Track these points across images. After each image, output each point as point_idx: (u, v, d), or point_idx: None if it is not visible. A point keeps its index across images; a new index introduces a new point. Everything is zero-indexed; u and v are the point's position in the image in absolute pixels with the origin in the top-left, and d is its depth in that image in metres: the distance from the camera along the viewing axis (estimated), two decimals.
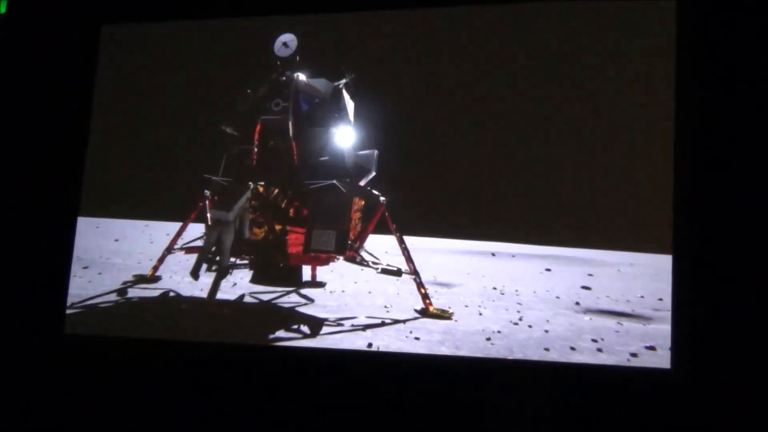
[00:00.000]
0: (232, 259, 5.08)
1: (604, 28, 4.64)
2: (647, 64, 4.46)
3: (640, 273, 5.83)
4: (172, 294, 5.36)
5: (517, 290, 6.16)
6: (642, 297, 5.63)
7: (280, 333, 4.55)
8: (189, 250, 5.46)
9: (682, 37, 4.20)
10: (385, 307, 5.30)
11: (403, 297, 5.49)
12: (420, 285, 5.16)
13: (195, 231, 5.44)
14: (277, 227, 5.19)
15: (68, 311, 4.84)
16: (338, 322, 4.84)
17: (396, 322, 4.84)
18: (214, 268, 5.03)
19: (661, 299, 4.79)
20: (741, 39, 4.08)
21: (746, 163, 3.97)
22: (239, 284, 5.66)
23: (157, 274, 5.72)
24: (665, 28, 4.30)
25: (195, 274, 5.08)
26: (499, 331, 4.64)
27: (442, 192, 5.22)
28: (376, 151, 5.40)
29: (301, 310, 5.17)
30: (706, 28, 4.14)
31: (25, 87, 5.22)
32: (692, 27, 4.17)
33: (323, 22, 5.18)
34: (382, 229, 5.28)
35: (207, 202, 5.28)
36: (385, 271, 5.23)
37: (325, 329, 4.62)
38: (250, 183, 5.15)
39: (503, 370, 4.21)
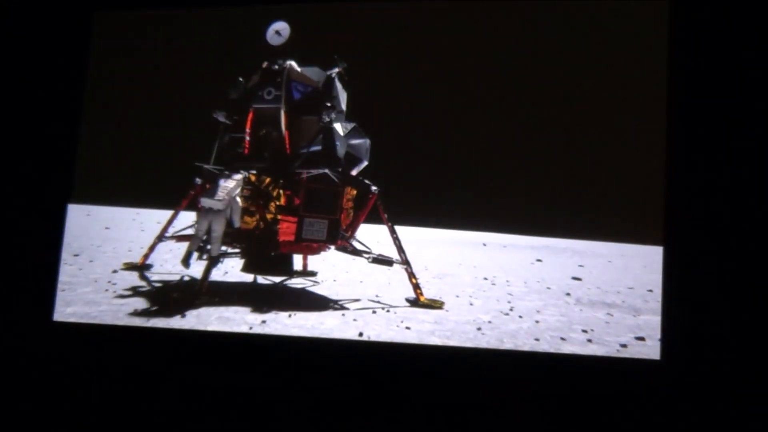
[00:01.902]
0: (224, 248, 5.07)
1: (596, 23, 4.64)
2: (640, 60, 4.47)
3: (631, 264, 5.86)
4: (162, 282, 5.35)
5: (508, 281, 6.19)
6: (632, 288, 5.66)
7: (271, 322, 4.54)
8: (180, 238, 5.45)
9: (674, 33, 4.21)
10: (377, 296, 5.31)
11: (395, 287, 5.50)
12: (411, 275, 5.17)
13: (186, 219, 5.44)
14: (269, 216, 5.18)
15: (58, 298, 4.82)
16: (329, 311, 4.84)
17: (387, 311, 4.85)
18: (205, 256, 5.02)
19: (651, 290, 4.82)
20: (731, 35, 4.09)
21: (736, 157, 3.98)
22: (230, 273, 5.66)
23: (148, 262, 5.72)
24: (657, 26, 4.30)
25: (186, 262, 5.06)
26: (489, 322, 4.65)
27: (434, 182, 5.22)
28: (368, 141, 5.40)
29: (293, 299, 5.18)
30: (698, 26, 4.14)
31: (16, 74, 5.18)
32: (684, 24, 4.17)
33: (316, 11, 5.15)
34: (373, 218, 5.28)
35: (198, 190, 5.27)
36: (376, 261, 5.24)
37: (316, 319, 4.62)
38: (242, 171, 5.13)
39: (493, 360, 4.22)
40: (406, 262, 5.15)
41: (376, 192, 5.24)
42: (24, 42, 5.20)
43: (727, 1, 4.14)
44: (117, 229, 6.87)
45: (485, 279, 6.07)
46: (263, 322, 4.53)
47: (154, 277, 5.46)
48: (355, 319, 4.63)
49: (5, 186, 5.03)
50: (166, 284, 5.29)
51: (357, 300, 5.15)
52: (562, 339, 4.33)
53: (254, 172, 5.23)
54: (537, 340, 4.31)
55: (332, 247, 5.31)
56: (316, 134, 5.27)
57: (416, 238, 5.53)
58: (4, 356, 4.70)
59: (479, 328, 4.48)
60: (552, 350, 4.18)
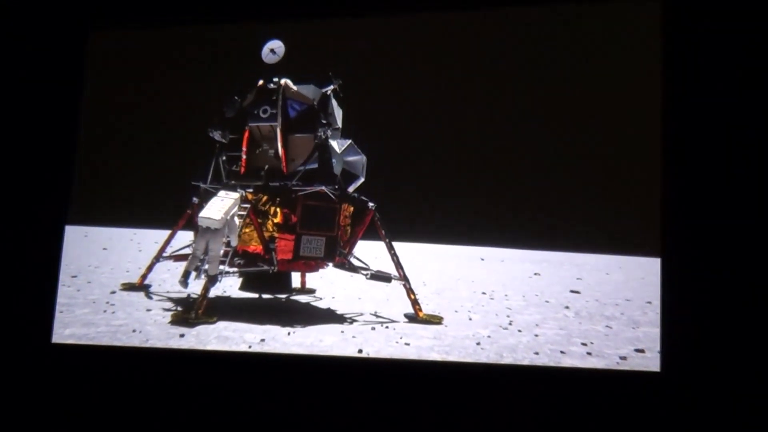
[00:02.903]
0: (221, 267, 5.06)
1: (590, 30, 4.66)
2: (635, 70, 4.48)
3: (629, 276, 5.85)
4: (161, 302, 5.34)
5: (506, 295, 6.19)
6: (630, 300, 5.66)
7: (270, 340, 4.53)
8: (178, 257, 5.45)
9: (668, 40, 4.22)
10: (375, 313, 5.30)
11: (393, 303, 5.49)
12: (410, 291, 5.16)
13: (184, 239, 5.43)
14: (266, 234, 5.18)
15: (56, 320, 4.81)
16: (328, 328, 4.83)
17: (386, 327, 4.84)
18: (203, 275, 5.01)
19: (649, 302, 4.81)
20: (726, 38, 4.11)
21: (734, 167, 3.99)
22: (228, 292, 5.65)
23: (146, 282, 5.70)
24: (651, 35, 4.32)
25: (184, 281, 5.05)
26: (489, 336, 4.64)
27: (431, 198, 5.23)
28: (364, 157, 5.41)
29: (292, 316, 5.16)
30: (692, 30, 4.16)
31: (12, 94, 5.19)
32: (678, 29, 4.19)
33: (311, 28, 5.18)
34: (371, 235, 5.29)
35: (195, 209, 5.27)
36: (374, 277, 5.24)
37: (315, 336, 4.61)
38: (239, 190, 5.14)
39: (493, 375, 4.21)
40: (404, 278, 5.15)
41: (373, 208, 5.26)
42: (19, 62, 5.22)
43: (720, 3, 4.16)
44: (114, 249, 6.86)
45: (484, 293, 6.07)
46: (262, 340, 4.52)
47: (153, 297, 5.44)
48: (354, 336, 4.62)
49: (2, 207, 5.03)
50: (165, 304, 5.28)
51: (357, 316, 5.14)
52: (562, 352, 4.32)
53: (251, 190, 5.24)
54: (536, 353, 4.30)
55: (330, 264, 5.31)
56: (312, 152, 5.29)
57: (414, 253, 5.53)
58: (5, 379, 4.68)
59: (478, 343, 4.48)
60: (552, 364, 4.17)
